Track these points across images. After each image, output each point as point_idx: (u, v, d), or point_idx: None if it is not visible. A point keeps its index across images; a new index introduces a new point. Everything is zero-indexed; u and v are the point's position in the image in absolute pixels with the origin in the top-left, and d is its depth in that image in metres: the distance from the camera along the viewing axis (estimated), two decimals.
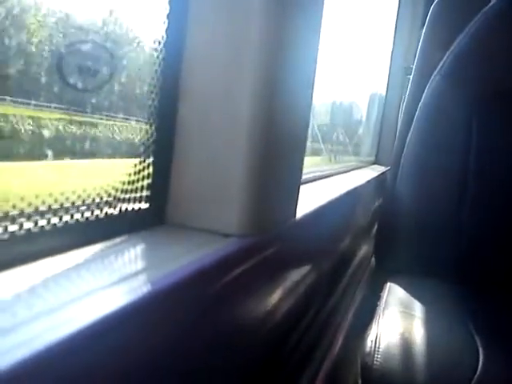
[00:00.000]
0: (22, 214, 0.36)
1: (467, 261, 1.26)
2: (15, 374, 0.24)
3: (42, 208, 0.38)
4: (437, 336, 0.92)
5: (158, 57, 0.51)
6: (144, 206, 0.51)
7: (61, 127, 0.44)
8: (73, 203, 0.41)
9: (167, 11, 0.51)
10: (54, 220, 0.39)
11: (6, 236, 0.35)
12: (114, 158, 0.55)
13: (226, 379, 0.52)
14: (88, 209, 0.43)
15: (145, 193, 0.51)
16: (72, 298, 0.32)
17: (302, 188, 0.73)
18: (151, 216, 0.52)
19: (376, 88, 2.27)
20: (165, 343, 0.38)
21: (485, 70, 1.31)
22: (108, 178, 0.47)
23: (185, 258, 0.44)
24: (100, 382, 0.31)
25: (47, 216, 0.38)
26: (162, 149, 0.53)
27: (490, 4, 1.31)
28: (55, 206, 0.39)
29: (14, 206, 0.35)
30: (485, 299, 1.12)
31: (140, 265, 0.42)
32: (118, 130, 0.53)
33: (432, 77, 1.35)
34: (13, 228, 0.35)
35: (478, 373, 0.79)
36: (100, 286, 0.35)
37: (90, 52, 0.45)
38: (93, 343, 0.30)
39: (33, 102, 0.41)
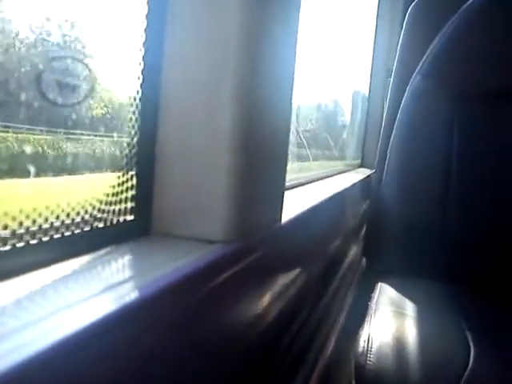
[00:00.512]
0: (5, 228, 0.36)
1: (454, 260, 1.28)
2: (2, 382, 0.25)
3: (27, 223, 0.38)
4: (429, 334, 0.93)
5: (137, 69, 0.52)
6: (129, 217, 0.52)
7: (43, 143, 0.45)
8: (57, 217, 0.42)
9: (144, 25, 0.52)
10: (39, 234, 0.40)
11: None
12: (99, 171, 0.56)
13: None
14: (73, 222, 0.44)
15: (129, 204, 0.52)
16: (60, 307, 0.33)
17: (289, 193, 0.74)
18: (136, 227, 0.53)
19: (358, 87, 2.27)
20: (152, 349, 0.39)
21: (464, 70, 1.32)
22: (92, 191, 0.48)
23: (171, 265, 0.44)
24: None
25: (32, 230, 0.39)
26: (145, 160, 0.54)
27: (468, 2, 1.32)
28: (40, 221, 0.40)
29: None
30: (475, 297, 1.13)
31: (127, 274, 0.43)
32: (99, 145, 0.54)
33: (412, 78, 1.36)
34: None
35: (468, 369, 0.80)
36: (87, 295, 0.36)
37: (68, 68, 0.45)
38: (81, 350, 0.30)
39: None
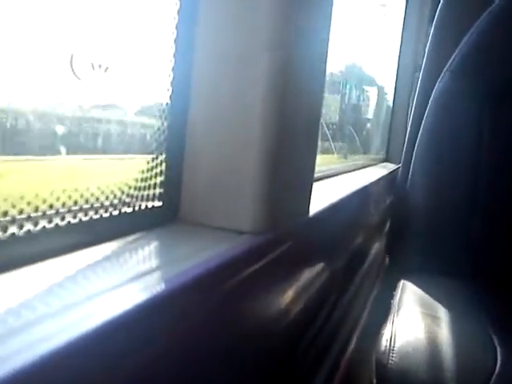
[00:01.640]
0: (36, 211, 0.35)
1: (480, 259, 1.25)
2: (37, 366, 0.24)
3: (57, 205, 0.37)
4: (453, 335, 0.91)
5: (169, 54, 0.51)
6: (157, 203, 0.51)
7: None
8: (86, 201, 0.41)
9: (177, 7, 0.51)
10: (68, 218, 0.39)
11: (21, 233, 0.35)
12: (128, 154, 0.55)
13: (241, 378, 0.52)
14: (102, 206, 0.43)
15: (158, 190, 0.50)
16: (87, 296, 0.32)
17: (314, 185, 0.72)
18: (164, 214, 0.52)
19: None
20: (179, 341, 0.38)
21: (494, 68, 1.30)
22: (121, 175, 0.47)
23: (199, 255, 0.43)
24: (114, 380, 0.30)
25: (61, 214, 0.38)
26: (175, 146, 0.52)
27: (497, 1, 1.30)
28: (69, 204, 0.39)
29: (28, 203, 0.35)
30: (500, 297, 1.11)
31: (154, 263, 0.42)
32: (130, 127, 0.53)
33: (441, 74, 1.34)
34: (27, 226, 0.35)
35: (496, 372, 0.78)
36: (114, 284, 0.35)
37: None
38: (108, 341, 0.29)
39: None
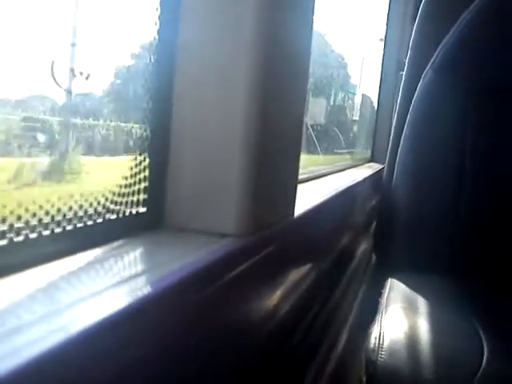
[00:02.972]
0: (19, 220, 0.36)
1: (467, 256, 1.26)
2: (23, 370, 0.24)
3: (40, 213, 0.38)
4: (441, 331, 0.92)
5: (150, 58, 0.51)
6: (141, 209, 0.51)
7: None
8: (70, 208, 0.41)
9: (158, 12, 0.51)
10: (52, 226, 0.39)
11: (4, 242, 0.35)
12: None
13: (229, 380, 0.52)
14: (86, 213, 0.43)
15: (142, 196, 0.51)
16: (73, 301, 0.32)
17: (300, 187, 0.73)
18: (149, 219, 0.52)
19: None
20: (165, 344, 0.38)
21: (478, 65, 1.30)
22: (105, 181, 0.47)
23: (183, 259, 0.44)
24: (104, 378, 0.31)
25: (45, 222, 0.38)
26: (158, 152, 0.53)
27: None
28: (53, 212, 0.39)
29: (11, 212, 0.35)
30: (487, 294, 1.12)
31: (139, 267, 0.42)
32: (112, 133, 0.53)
33: (424, 72, 1.34)
34: (10, 234, 0.35)
35: (482, 367, 0.79)
36: (100, 289, 0.35)
37: None
38: (93, 344, 0.30)
39: None
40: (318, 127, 1.67)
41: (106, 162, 0.52)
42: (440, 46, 1.33)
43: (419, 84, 1.35)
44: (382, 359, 0.85)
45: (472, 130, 1.27)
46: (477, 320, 0.94)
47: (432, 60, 1.34)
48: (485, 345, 0.84)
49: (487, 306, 1.05)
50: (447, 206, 1.27)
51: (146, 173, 0.51)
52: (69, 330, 0.28)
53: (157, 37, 0.51)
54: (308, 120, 1.52)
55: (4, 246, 0.35)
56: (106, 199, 0.45)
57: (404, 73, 1.53)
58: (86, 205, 0.42)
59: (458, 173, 1.26)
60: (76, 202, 0.41)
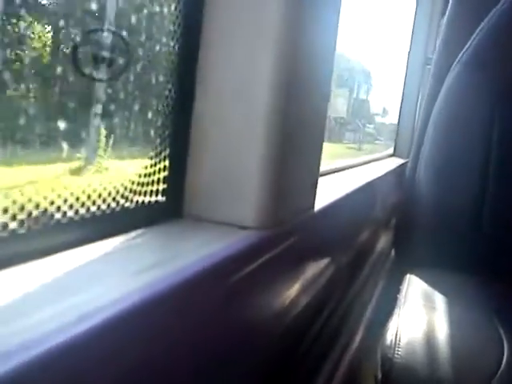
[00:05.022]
0: (37, 207, 0.35)
1: (488, 253, 1.24)
2: (48, 351, 0.24)
3: (59, 202, 0.37)
4: (459, 330, 0.90)
5: (174, 47, 0.51)
6: (161, 199, 0.51)
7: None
8: (89, 197, 0.41)
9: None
10: (71, 214, 0.39)
11: (23, 230, 0.35)
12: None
13: (246, 372, 0.52)
14: (105, 202, 0.43)
15: (161, 186, 0.50)
16: (91, 289, 0.32)
17: (320, 180, 0.72)
18: (168, 209, 0.52)
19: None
20: (182, 335, 0.38)
21: (507, 61, 1.28)
22: (125, 171, 0.47)
23: (202, 250, 0.43)
24: (121, 370, 0.31)
25: (63, 210, 0.38)
26: (178, 141, 0.52)
27: None
28: (72, 201, 0.39)
29: (29, 200, 0.35)
30: (507, 291, 1.10)
31: (158, 258, 0.42)
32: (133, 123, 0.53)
33: (452, 67, 1.32)
34: (29, 222, 0.35)
35: (502, 366, 0.78)
36: (118, 279, 0.35)
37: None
38: (111, 335, 0.30)
39: None
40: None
41: (125, 152, 0.52)
42: (470, 41, 1.31)
43: (446, 79, 1.33)
44: (398, 356, 0.84)
45: (498, 126, 1.25)
46: (497, 319, 0.93)
47: (460, 54, 1.32)
48: (505, 343, 0.83)
49: (507, 304, 1.04)
50: (471, 204, 1.25)
51: (166, 163, 0.51)
52: (88, 320, 0.28)
53: (180, 24, 0.51)
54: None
55: (22, 234, 0.35)
56: (125, 188, 0.45)
57: (431, 67, 1.52)
58: (104, 194, 0.42)
59: (482, 170, 1.25)
60: (95, 190, 0.41)
